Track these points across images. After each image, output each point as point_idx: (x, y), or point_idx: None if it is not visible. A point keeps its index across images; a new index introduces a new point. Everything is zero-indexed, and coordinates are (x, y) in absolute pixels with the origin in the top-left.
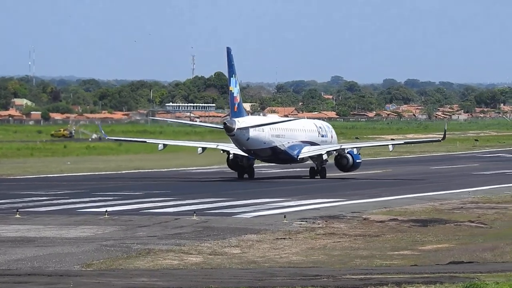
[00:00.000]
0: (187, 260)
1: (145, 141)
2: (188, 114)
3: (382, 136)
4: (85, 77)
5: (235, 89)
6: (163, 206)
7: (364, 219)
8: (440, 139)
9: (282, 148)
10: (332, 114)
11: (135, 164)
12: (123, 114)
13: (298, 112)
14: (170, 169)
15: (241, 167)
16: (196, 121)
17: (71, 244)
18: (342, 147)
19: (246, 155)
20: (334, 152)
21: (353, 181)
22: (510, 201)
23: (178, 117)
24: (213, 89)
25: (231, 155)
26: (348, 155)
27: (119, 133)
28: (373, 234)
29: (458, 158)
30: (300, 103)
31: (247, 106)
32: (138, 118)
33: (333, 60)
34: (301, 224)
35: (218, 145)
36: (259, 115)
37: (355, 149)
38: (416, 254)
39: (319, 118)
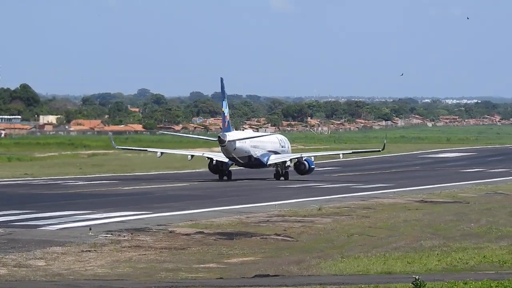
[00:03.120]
0: None
1: (146, 150)
2: None
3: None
4: None
5: (226, 110)
6: None
7: (170, 232)
8: (380, 149)
9: (256, 156)
10: (139, 127)
11: None
12: None
13: (105, 125)
14: None
15: (221, 171)
16: (1, 133)
17: None
18: (302, 155)
19: (226, 161)
20: (295, 159)
21: (159, 194)
22: (316, 215)
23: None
24: (19, 101)
25: (214, 162)
26: (305, 162)
27: None
28: (178, 247)
29: (265, 172)
30: (106, 116)
31: (53, 119)
32: None
33: (139, 72)
34: (106, 236)
35: (203, 153)
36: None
37: (312, 157)
38: (221, 267)
39: (125, 132)
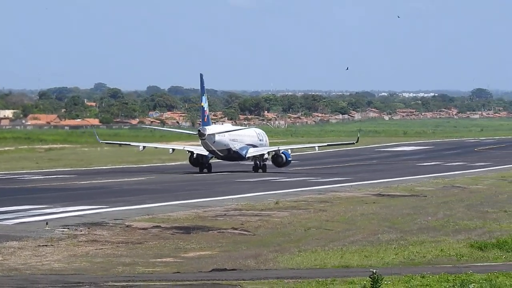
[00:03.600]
0: None
1: (129, 144)
2: None
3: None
4: None
5: (205, 104)
6: None
7: (127, 226)
8: (354, 142)
9: (234, 149)
10: (96, 121)
11: None
12: None
13: (61, 120)
14: None
15: (201, 164)
16: None
17: None
18: (279, 148)
19: (206, 154)
20: (273, 152)
21: (119, 188)
22: (273, 208)
23: None
24: None
25: (194, 155)
26: (282, 154)
27: None
28: (135, 241)
29: (224, 166)
30: (63, 110)
31: (9, 113)
32: None
33: (96, 66)
34: (63, 231)
35: (184, 147)
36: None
37: (289, 150)
38: (179, 261)
39: (82, 126)
